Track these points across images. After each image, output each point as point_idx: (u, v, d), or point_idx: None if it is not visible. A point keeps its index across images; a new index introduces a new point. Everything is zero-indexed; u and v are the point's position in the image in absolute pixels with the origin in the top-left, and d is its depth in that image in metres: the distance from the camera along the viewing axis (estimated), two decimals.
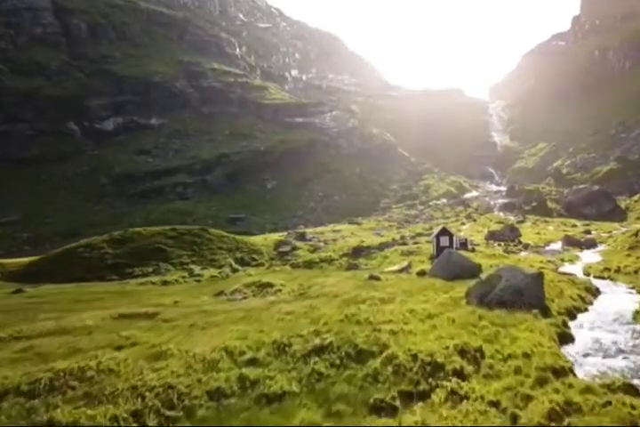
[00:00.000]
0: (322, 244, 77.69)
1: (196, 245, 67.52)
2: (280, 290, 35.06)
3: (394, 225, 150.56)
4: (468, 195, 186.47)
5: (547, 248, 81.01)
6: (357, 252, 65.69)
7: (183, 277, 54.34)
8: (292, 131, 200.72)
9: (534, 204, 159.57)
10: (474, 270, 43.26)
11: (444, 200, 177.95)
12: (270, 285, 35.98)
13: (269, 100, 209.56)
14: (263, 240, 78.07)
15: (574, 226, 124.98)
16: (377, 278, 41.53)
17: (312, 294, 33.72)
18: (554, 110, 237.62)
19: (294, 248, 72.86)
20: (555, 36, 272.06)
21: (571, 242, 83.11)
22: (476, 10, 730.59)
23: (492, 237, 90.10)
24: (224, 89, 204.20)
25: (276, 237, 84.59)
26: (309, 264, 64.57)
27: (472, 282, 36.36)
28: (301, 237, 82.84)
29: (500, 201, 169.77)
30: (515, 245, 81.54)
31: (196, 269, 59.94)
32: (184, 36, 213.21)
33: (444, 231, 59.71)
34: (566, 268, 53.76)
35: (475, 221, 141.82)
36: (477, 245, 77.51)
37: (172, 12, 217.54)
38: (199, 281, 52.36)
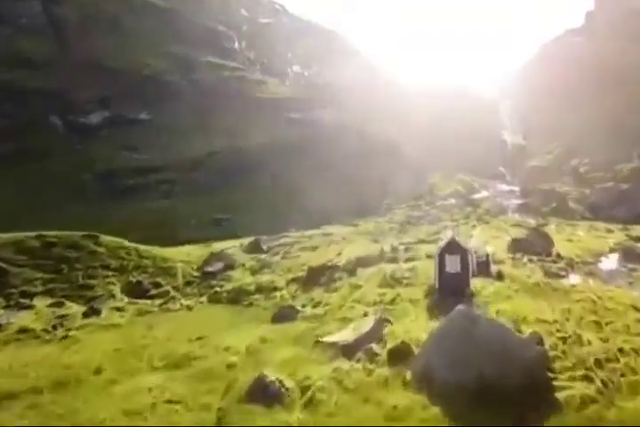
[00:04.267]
0: (277, 258, 50.08)
1: (68, 262, 40.48)
2: None
3: (395, 228, 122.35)
4: (477, 195, 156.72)
5: (600, 265, 52.08)
6: (315, 276, 38.04)
7: None
8: (290, 127, 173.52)
9: (554, 205, 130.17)
10: (532, 370, 14.46)
11: (452, 200, 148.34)
12: None
13: (267, 95, 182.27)
14: (187, 254, 50.36)
15: (610, 231, 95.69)
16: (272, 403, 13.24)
17: None
18: (568, 107, 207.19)
19: (229, 267, 45.45)
20: (568, 31, 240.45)
21: (632, 255, 54.12)
22: (484, 5, 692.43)
23: (518, 247, 61.13)
24: (219, 83, 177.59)
25: (219, 245, 57.12)
26: (237, 296, 37.37)
27: None
28: (254, 247, 55.09)
29: (514, 202, 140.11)
30: (553, 261, 52.79)
31: (39, 305, 32.58)
32: (179, 28, 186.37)
33: (454, 246, 31.27)
34: None
35: (487, 223, 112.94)
36: (502, 262, 48.98)
37: (168, 4, 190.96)
38: None
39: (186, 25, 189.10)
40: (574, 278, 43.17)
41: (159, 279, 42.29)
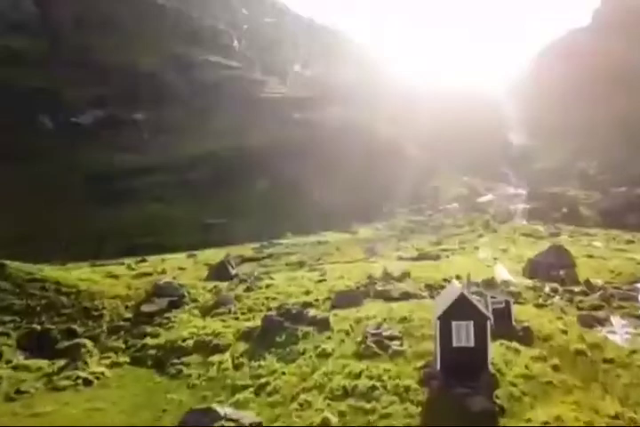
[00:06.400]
0: (241, 289, 38.81)
1: None
2: None
3: (395, 235, 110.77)
4: (482, 198, 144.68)
5: None
6: (275, 328, 26.70)
7: None
8: (290, 127, 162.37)
9: (564, 210, 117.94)
10: None
11: (456, 204, 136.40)
12: None
13: (267, 94, 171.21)
14: (127, 285, 38.80)
15: (630, 242, 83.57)
16: None
17: None
18: (574, 107, 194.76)
19: (174, 304, 34.20)
20: (574, 30, 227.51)
21: None
22: (489, 4, 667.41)
23: (536, 269, 49.88)
24: (218, 82, 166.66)
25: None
26: (167, 357, 26.54)
27: None
28: (220, 271, 43.87)
29: (522, 206, 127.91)
30: (583, 293, 41.34)
31: None
32: (177, 26, 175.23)
33: (463, 307, 19.80)
34: None
35: (495, 231, 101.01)
36: (521, 296, 37.69)
37: (167, 1, 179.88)
38: None
39: (184, 23, 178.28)
40: (619, 326, 31.89)
41: (76, 325, 31.13)
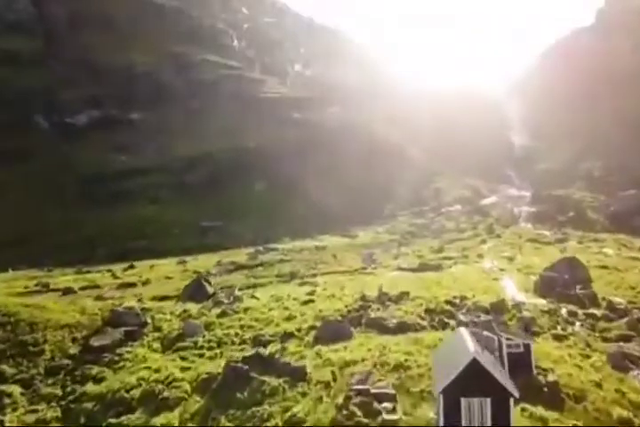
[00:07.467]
0: (214, 313, 33.17)
1: None
2: None
3: (396, 239, 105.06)
4: (485, 200, 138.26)
5: None
6: (239, 380, 21.01)
7: None
8: (289, 127, 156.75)
9: (571, 214, 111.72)
10: None
11: (459, 207, 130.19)
12: None
13: (265, 94, 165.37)
14: (81, 309, 32.90)
15: None
16: None
17: None
18: (579, 108, 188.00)
19: (131, 335, 28.51)
20: (578, 30, 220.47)
21: None
22: (491, 3, 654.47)
23: (549, 286, 43.87)
24: (216, 82, 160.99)
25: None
26: (104, 412, 21.18)
27: None
28: (196, 289, 38.22)
29: (526, 209, 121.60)
30: (607, 318, 35.68)
31: None
32: (175, 25, 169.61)
33: (477, 378, 13.78)
34: None
35: (499, 236, 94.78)
36: (536, 326, 32.02)
37: (166, 0, 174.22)
38: None
39: (183, 22, 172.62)
40: None
41: (7, 366, 25.33)
